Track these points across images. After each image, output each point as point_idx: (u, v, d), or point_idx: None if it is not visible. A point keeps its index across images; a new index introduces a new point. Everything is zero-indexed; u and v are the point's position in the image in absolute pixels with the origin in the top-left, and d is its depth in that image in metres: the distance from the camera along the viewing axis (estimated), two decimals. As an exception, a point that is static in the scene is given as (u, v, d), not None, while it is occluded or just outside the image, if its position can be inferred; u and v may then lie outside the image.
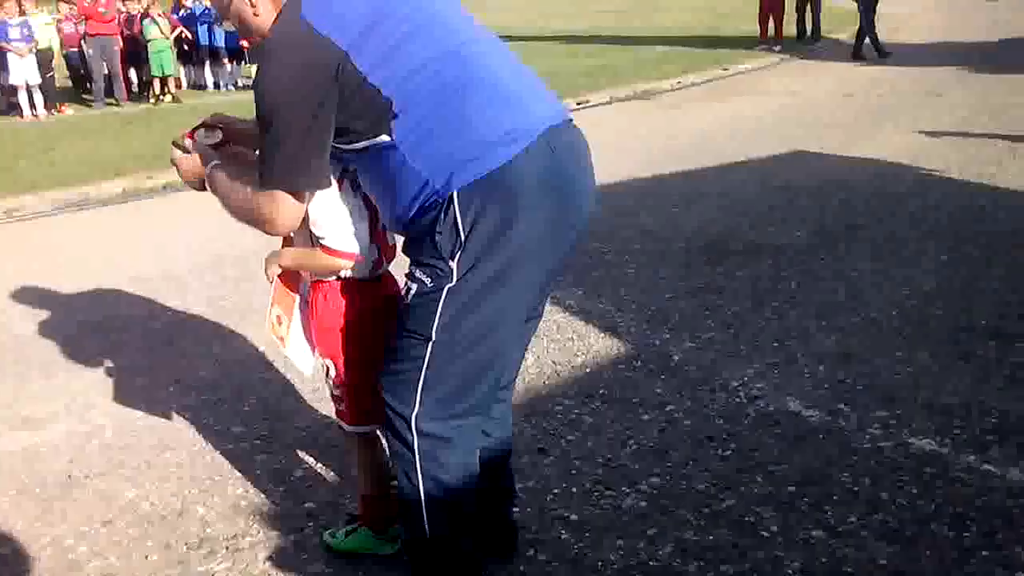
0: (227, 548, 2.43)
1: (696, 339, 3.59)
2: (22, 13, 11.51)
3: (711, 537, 2.32)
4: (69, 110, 12.06)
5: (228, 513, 2.60)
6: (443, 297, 1.70)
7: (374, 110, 1.65)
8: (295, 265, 2.11)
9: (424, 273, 1.72)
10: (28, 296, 4.65)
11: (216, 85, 13.39)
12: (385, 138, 1.67)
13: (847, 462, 2.63)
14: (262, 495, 2.67)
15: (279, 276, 2.15)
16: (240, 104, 11.81)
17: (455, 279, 1.68)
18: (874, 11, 12.71)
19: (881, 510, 2.39)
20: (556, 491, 2.57)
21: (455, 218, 1.65)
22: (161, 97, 12.43)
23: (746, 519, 2.39)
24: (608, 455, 2.75)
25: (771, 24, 14.67)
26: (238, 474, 2.80)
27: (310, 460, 2.86)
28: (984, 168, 6.13)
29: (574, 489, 2.58)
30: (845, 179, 6.09)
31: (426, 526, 1.88)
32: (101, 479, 2.85)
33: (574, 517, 2.44)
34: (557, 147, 1.72)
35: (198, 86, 13.74)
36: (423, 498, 1.85)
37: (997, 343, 3.39)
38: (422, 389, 1.77)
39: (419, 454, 1.82)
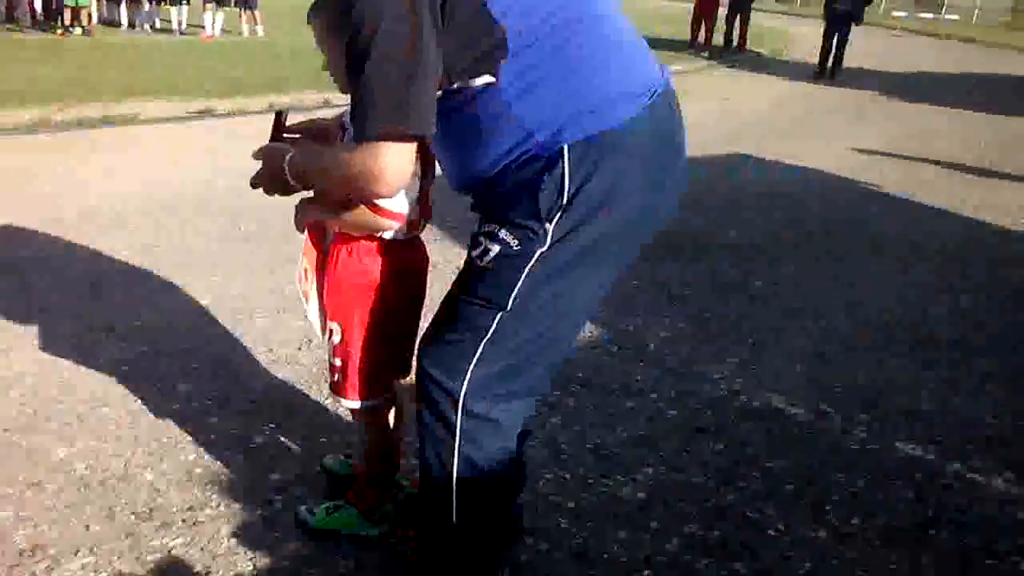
0: (183, 521, 2.15)
1: (669, 329, 3.49)
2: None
3: (717, 533, 2.21)
4: (-39, 32, 11.03)
5: (181, 481, 2.31)
6: (531, 262, 1.48)
7: (484, 45, 1.39)
8: (329, 219, 1.81)
9: (511, 234, 1.48)
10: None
11: (131, 24, 12.51)
12: (488, 79, 1.41)
13: (840, 462, 2.57)
14: (219, 463, 2.39)
15: (308, 228, 1.89)
16: (157, 46, 11.12)
17: (547, 244, 1.46)
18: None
19: (881, 514, 2.34)
20: (548, 477, 2.41)
21: (561, 176, 1.42)
22: (70, 28, 11.50)
23: (750, 516, 2.28)
24: (597, 441, 2.60)
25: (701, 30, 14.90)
26: (189, 438, 2.50)
27: (271, 426, 2.58)
28: (921, 187, 6.31)
29: (567, 476, 2.42)
30: (791, 187, 6.14)
31: (454, 513, 1.68)
32: (23, 434, 2.50)
33: (571, 505, 2.28)
34: (672, 111, 1.54)
35: (110, 23, 12.81)
36: (454, 483, 1.65)
37: (960, 354, 3.43)
38: (476, 363, 1.57)
39: (460, 435, 1.61)
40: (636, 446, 2.60)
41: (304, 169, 1.59)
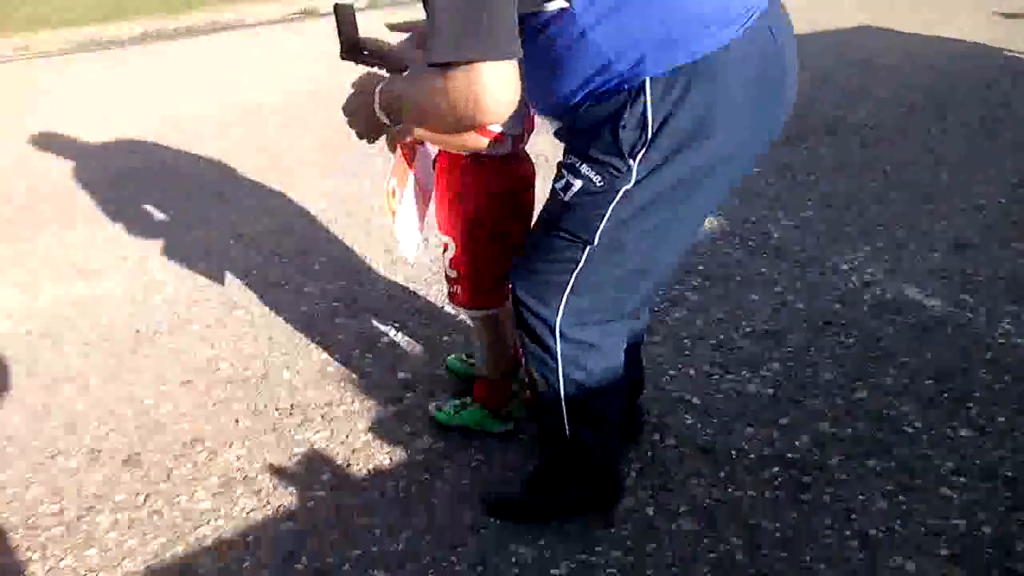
0: (322, 416, 2.25)
1: (794, 217, 3.34)
2: None
3: (849, 431, 2.15)
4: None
5: (316, 379, 2.41)
6: (615, 200, 1.40)
7: None
8: (429, 138, 1.76)
9: (593, 170, 1.40)
10: (55, 141, 4.34)
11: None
12: (561, 4, 1.29)
13: (983, 358, 2.44)
14: (350, 362, 2.48)
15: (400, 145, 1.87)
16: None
17: (632, 181, 1.38)
18: None
19: (1029, 411, 2.22)
20: (672, 373, 2.39)
21: (644, 110, 1.31)
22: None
23: (885, 412, 2.21)
24: (720, 336, 2.55)
25: None
26: (319, 338, 2.60)
27: (396, 325, 2.65)
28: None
29: (691, 372, 2.39)
30: (928, 58, 5.67)
31: (566, 428, 1.69)
32: (170, 336, 2.65)
33: (696, 401, 2.26)
34: (776, 31, 1.37)
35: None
36: (563, 403, 1.65)
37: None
38: (569, 292, 1.53)
39: (561, 359, 1.60)
40: (761, 340, 2.53)
41: (404, 92, 1.43)
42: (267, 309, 2.77)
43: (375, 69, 1.67)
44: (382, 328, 2.64)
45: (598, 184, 1.41)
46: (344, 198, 3.58)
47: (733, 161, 1.43)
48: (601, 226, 1.44)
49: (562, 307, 1.55)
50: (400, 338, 2.59)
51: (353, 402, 2.30)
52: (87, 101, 5.10)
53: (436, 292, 2.83)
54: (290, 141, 4.30)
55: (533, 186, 1.92)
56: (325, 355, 2.52)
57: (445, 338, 2.58)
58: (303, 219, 3.42)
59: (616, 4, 1.28)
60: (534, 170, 1.93)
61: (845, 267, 2.96)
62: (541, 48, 1.34)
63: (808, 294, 2.79)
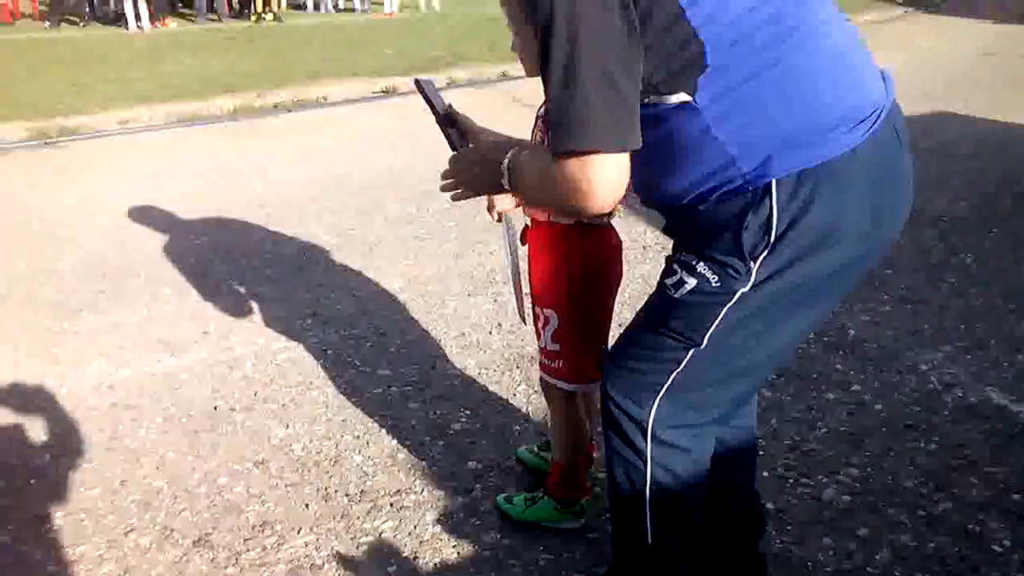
0: (391, 505, 2.27)
1: (872, 312, 3.28)
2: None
3: (932, 545, 2.07)
4: (172, 23, 12.00)
5: (386, 465, 2.44)
6: (730, 302, 1.36)
7: (680, 57, 1.23)
8: (531, 203, 1.79)
9: (711, 270, 1.35)
10: (152, 214, 4.56)
11: (316, 6, 13.17)
12: (683, 97, 1.25)
13: (1075, 471, 2.34)
14: (421, 448, 2.50)
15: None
16: (341, 28, 11.63)
17: (751, 284, 1.33)
18: None
19: None
20: (745, 474, 2.34)
21: (769, 212, 1.27)
22: (263, 15, 12.26)
23: (969, 527, 2.12)
24: (796, 437, 2.50)
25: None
26: (391, 422, 2.64)
27: (467, 413, 2.67)
28: None
29: (765, 473, 2.34)
30: (1003, 145, 5.59)
31: (648, 535, 1.64)
32: (247, 414, 2.72)
33: (771, 505, 2.21)
34: (897, 133, 1.35)
35: (297, 6, 13.53)
36: (647, 506, 1.61)
37: None
38: (665, 393, 1.49)
39: (651, 462, 1.56)
40: (838, 443, 2.47)
41: (526, 171, 1.41)
42: (341, 390, 2.83)
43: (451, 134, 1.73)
44: (454, 415, 2.66)
45: (714, 284, 1.36)
46: (421, 280, 3.67)
47: (855, 264, 1.39)
48: (712, 328, 1.39)
49: (656, 408, 1.51)
50: (473, 426, 2.60)
51: (423, 491, 2.32)
52: (180, 175, 5.36)
53: (508, 379, 2.85)
54: (368, 219, 4.44)
55: (621, 254, 1.96)
56: (396, 440, 2.55)
57: (516, 427, 2.59)
58: (380, 300, 3.50)
59: (744, 102, 1.25)
60: (620, 239, 1.96)
61: (924, 367, 2.88)
62: (657, 141, 1.30)
63: (886, 394, 2.72)
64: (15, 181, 5.34)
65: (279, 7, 12.49)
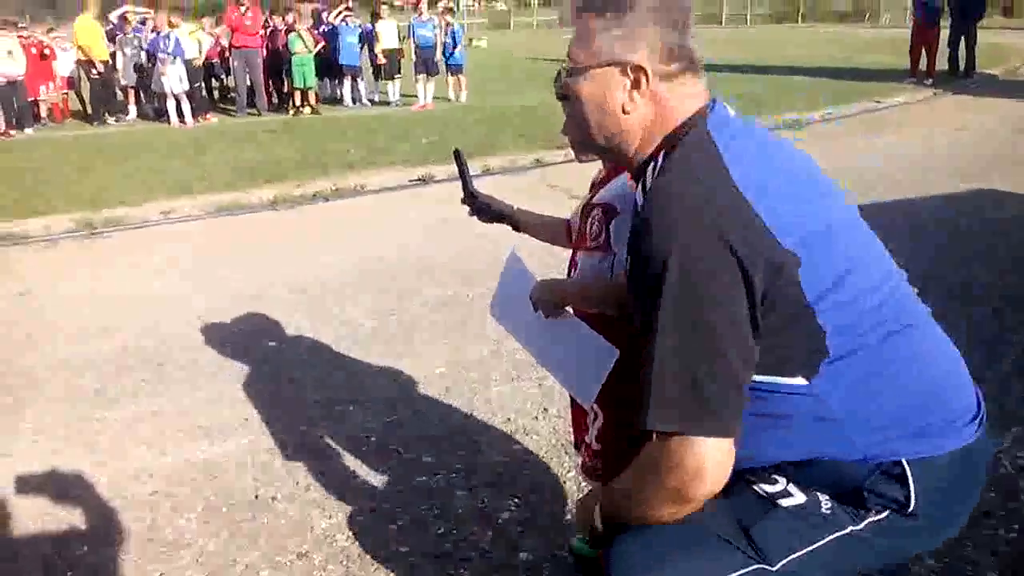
0: (440, 599, 2.16)
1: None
2: (172, 26, 11.88)
3: (1025, 643, 1.91)
4: (213, 118, 12.39)
5: (433, 557, 2.33)
6: (830, 536, 1.27)
7: (802, 345, 1.21)
8: (586, 303, 1.77)
9: (830, 500, 1.28)
10: (191, 301, 4.59)
11: (354, 100, 13.55)
12: (800, 381, 1.22)
13: None
14: (469, 538, 2.40)
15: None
16: (378, 119, 11.94)
17: (860, 527, 1.27)
18: None
19: None
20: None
21: (883, 491, 1.25)
22: (301, 109, 12.63)
23: (1064, 624, 1.97)
24: (865, 526, 2.36)
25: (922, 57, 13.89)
26: (437, 511, 2.54)
27: (516, 501, 2.57)
28: None
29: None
30: (1050, 221, 5.49)
31: None
32: (289, 504, 2.64)
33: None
34: (986, 435, 1.34)
35: (334, 100, 13.94)
36: None
37: None
38: None
39: None
40: (911, 532, 2.33)
41: (613, 508, 1.34)
42: (385, 478, 2.74)
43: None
44: (502, 503, 2.56)
45: (824, 510, 1.27)
46: (463, 364, 3.61)
47: (937, 538, 1.36)
48: (797, 554, 1.27)
49: None
50: (522, 515, 2.50)
51: (472, 584, 2.21)
52: (220, 262, 5.42)
53: (557, 466, 2.75)
54: (407, 304, 4.42)
55: None
56: (442, 529, 2.45)
57: (569, 517, 2.48)
58: (421, 384, 3.44)
59: (865, 390, 1.23)
60: None
61: (995, 449, 2.74)
62: (768, 420, 1.26)
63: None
64: (58, 271, 5.43)
65: (317, 100, 12.87)
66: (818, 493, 1.28)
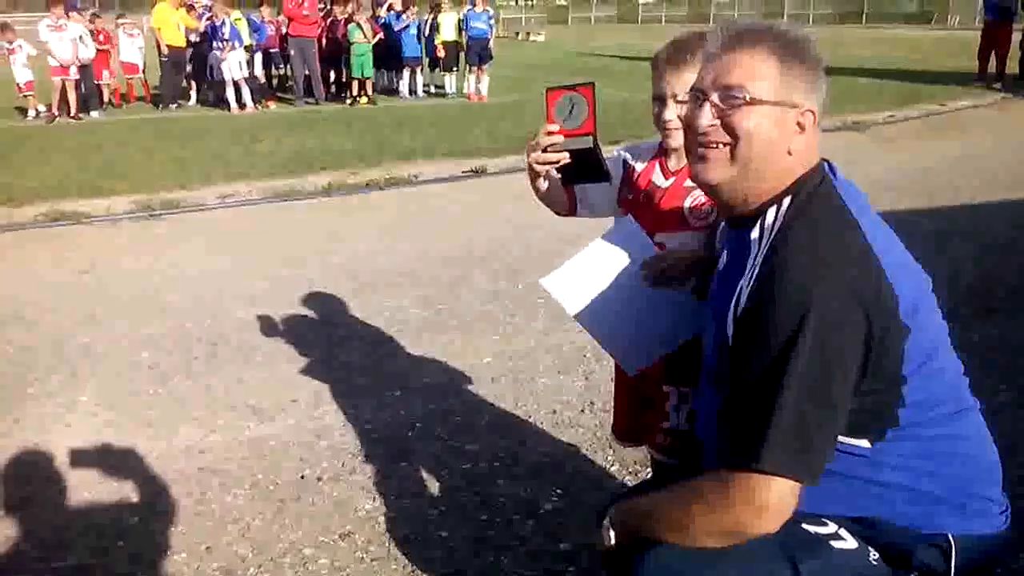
0: (479, 585, 2.16)
1: (986, 400, 3.04)
2: (228, 14, 12.08)
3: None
4: (273, 106, 12.59)
5: (474, 543, 2.34)
6: None
7: (879, 413, 1.27)
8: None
9: (873, 552, 1.33)
10: (245, 283, 4.67)
11: (411, 91, 13.66)
12: (863, 444, 1.28)
13: None
14: (511, 527, 2.40)
15: None
16: (434, 109, 12.02)
17: None
18: None
19: None
20: None
21: (925, 557, 1.32)
22: (357, 98, 12.76)
23: None
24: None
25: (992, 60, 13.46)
26: (479, 498, 2.55)
27: (558, 492, 2.56)
28: None
29: None
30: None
31: None
32: (334, 484, 2.67)
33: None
34: None
35: (390, 91, 14.05)
36: None
37: None
38: None
39: None
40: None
41: (639, 526, 1.36)
42: (429, 464, 2.76)
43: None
44: (544, 493, 2.56)
45: (872, 560, 1.32)
46: (509, 355, 3.61)
47: None
48: None
49: None
50: (564, 505, 2.49)
51: (511, 572, 2.21)
52: (274, 247, 5.50)
53: (600, 459, 2.74)
54: (457, 293, 4.43)
55: None
56: (485, 516, 2.45)
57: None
58: (468, 374, 3.44)
59: (923, 465, 1.30)
60: None
61: (1057, 464, 2.64)
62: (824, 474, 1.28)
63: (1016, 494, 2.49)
64: (119, 250, 5.57)
65: (374, 90, 12.98)
66: (870, 546, 1.33)
